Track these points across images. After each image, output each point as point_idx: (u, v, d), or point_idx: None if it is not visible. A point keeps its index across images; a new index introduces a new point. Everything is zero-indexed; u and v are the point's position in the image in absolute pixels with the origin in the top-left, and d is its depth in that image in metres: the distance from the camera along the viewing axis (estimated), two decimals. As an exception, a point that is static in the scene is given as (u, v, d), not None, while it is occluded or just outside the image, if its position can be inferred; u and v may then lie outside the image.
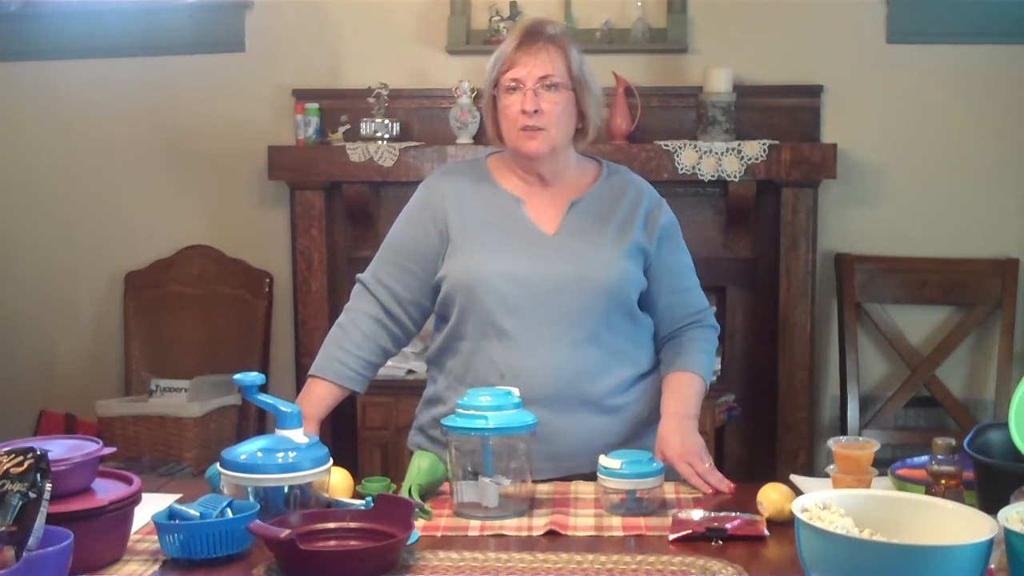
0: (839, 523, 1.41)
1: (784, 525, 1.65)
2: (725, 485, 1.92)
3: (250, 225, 3.85)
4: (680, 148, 3.42)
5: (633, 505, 1.79)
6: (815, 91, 3.60)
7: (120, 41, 3.82)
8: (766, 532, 1.67)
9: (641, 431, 2.10)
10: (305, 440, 1.73)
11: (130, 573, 1.54)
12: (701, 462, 1.94)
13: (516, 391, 1.85)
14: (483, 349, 2.06)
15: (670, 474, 1.92)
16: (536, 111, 2.03)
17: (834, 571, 1.32)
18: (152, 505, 1.68)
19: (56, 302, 3.97)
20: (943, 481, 1.67)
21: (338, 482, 1.82)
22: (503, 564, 1.56)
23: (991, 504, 1.49)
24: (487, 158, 2.21)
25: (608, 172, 2.19)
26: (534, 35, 2.07)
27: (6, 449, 1.44)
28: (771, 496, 1.74)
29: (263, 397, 1.76)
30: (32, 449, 1.42)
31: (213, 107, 3.82)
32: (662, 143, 3.44)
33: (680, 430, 2.00)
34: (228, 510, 1.60)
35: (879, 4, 3.59)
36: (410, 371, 3.56)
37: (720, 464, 2.07)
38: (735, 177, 3.40)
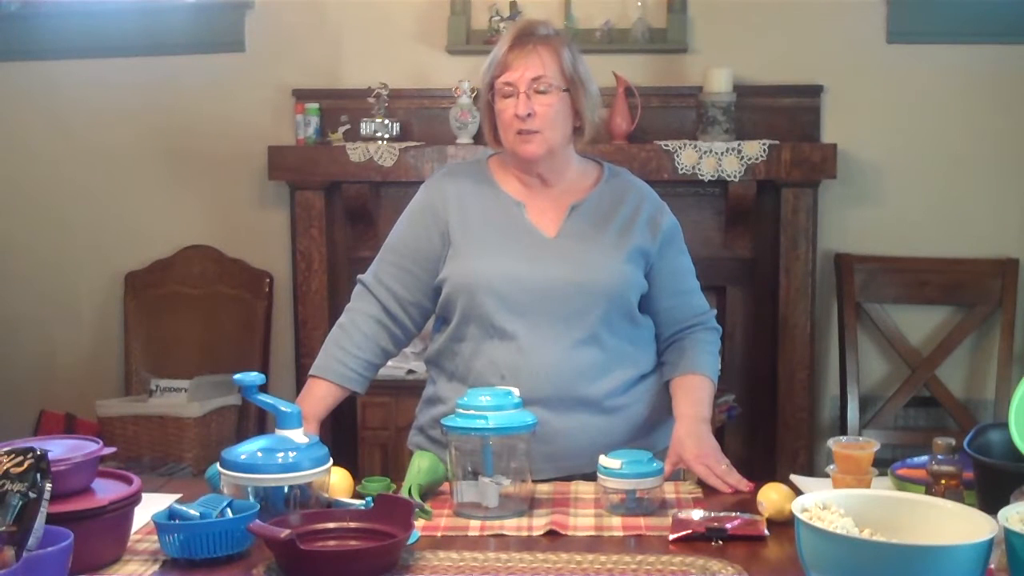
0: (839, 523, 1.41)
1: (784, 525, 1.65)
2: (744, 484, 1.91)
3: (250, 225, 3.85)
4: (680, 148, 3.42)
5: (633, 505, 1.79)
6: (815, 91, 3.60)
7: (120, 41, 3.82)
8: (766, 532, 1.67)
9: (641, 432, 2.10)
10: (305, 440, 1.73)
11: (130, 573, 1.54)
12: (718, 464, 1.94)
13: (516, 391, 1.85)
14: (484, 350, 2.06)
15: (680, 476, 1.92)
16: (529, 114, 2.03)
17: (834, 571, 1.32)
18: (152, 505, 1.68)
19: (56, 302, 3.97)
20: (943, 481, 1.67)
21: (338, 482, 1.82)
22: (503, 564, 1.56)
23: (991, 504, 1.49)
24: (489, 159, 2.21)
25: (609, 175, 2.18)
26: (525, 37, 2.07)
27: (6, 449, 1.44)
28: (771, 496, 1.73)
29: (263, 397, 1.76)
30: (32, 449, 1.42)
31: (213, 107, 3.82)
32: (662, 143, 3.44)
33: (695, 433, 2.00)
34: (228, 510, 1.60)
35: (879, 4, 3.59)
36: (410, 371, 3.56)
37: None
38: (735, 177, 3.40)
